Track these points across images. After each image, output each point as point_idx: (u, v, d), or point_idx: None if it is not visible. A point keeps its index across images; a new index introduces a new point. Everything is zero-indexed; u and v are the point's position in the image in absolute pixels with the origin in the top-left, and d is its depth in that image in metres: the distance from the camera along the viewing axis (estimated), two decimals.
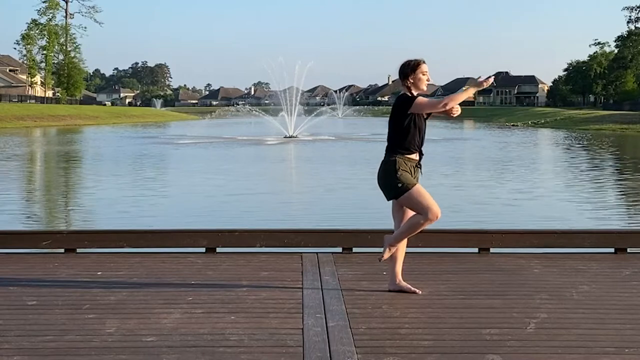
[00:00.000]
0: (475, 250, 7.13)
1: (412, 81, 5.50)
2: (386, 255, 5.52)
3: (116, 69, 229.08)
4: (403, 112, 5.44)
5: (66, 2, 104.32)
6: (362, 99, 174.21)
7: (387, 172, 5.44)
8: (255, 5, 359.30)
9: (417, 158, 5.51)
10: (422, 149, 5.56)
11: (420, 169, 5.54)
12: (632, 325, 4.79)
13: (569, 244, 7.21)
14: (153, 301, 5.33)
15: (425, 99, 5.48)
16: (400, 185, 5.37)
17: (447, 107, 5.44)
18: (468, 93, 5.60)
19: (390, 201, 5.60)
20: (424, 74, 5.50)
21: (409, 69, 5.51)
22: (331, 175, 21.27)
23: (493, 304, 5.31)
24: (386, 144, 5.55)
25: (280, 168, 25.88)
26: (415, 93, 5.53)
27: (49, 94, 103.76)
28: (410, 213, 5.51)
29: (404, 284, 5.61)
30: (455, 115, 5.60)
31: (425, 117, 5.53)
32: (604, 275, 6.29)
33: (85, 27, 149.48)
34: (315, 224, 11.46)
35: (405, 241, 5.62)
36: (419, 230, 5.44)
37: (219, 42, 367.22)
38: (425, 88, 5.56)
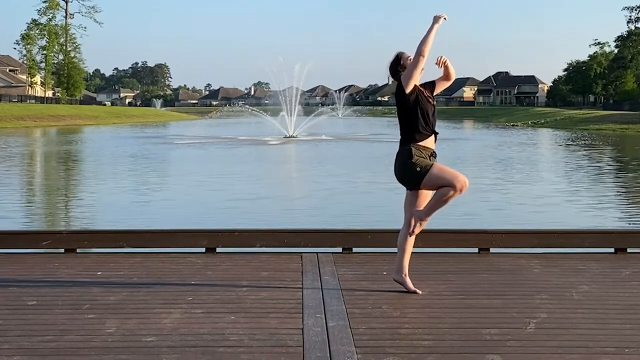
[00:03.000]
0: (475, 250, 7.13)
1: (404, 71, 5.52)
2: (417, 229, 5.51)
3: (116, 69, 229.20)
4: (403, 95, 5.45)
5: (66, 2, 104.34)
6: (362, 99, 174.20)
7: (403, 162, 5.42)
8: (256, 5, 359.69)
9: (432, 146, 5.49)
10: (436, 130, 5.54)
11: (435, 157, 5.50)
12: (632, 325, 4.79)
13: (568, 244, 7.21)
14: (153, 301, 5.33)
15: (406, 70, 5.48)
16: (419, 169, 5.35)
17: (423, 54, 5.39)
18: (432, 30, 5.49)
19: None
20: (409, 59, 5.52)
21: (394, 63, 5.58)
22: (331, 175, 21.26)
23: (493, 304, 5.31)
24: (399, 137, 5.54)
25: (280, 168, 25.88)
26: None
27: (49, 94, 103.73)
28: (424, 203, 5.51)
29: (407, 280, 5.60)
30: (451, 77, 5.63)
31: (430, 98, 5.51)
32: (604, 275, 6.29)
33: (85, 27, 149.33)
34: (315, 224, 11.46)
35: (413, 238, 5.60)
36: (449, 202, 5.39)
37: (219, 42, 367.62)
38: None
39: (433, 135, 5.51)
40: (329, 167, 24.48)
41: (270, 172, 23.70)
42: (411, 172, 5.40)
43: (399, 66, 5.54)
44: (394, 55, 5.62)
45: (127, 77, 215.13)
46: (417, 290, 5.56)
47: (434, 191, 5.45)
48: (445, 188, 5.33)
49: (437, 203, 5.42)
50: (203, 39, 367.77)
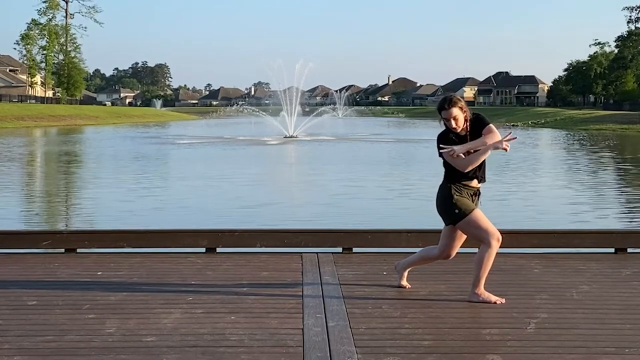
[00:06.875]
0: (476, 250, 7.11)
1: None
2: (482, 294, 5.35)
3: (116, 69, 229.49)
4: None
5: (66, 2, 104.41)
6: (362, 99, 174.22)
7: (443, 199, 5.36)
8: (256, 6, 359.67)
9: (476, 185, 5.37)
10: (483, 174, 5.39)
11: (479, 197, 5.42)
12: (632, 325, 4.80)
13: (569, 244, 7.21)
14: (153, 301, 5.33)
15: (455, 164, 5.24)
16: (457, 211, 5.30)
17: (463, 170, 5.23)
18: (486, 154, 5.26)
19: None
20: (447, 120, 5.26)
21: (441, 104, 5.31)
22: (330, 175, 21.25)
23: (493, 304, 5.30)
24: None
25: (279, 169, 25.87)
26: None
27: (49, 94, 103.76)
28: (460, 240, 5.52)
29: (405, 274, 5.78)
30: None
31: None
32: (604, 275, 6.29)
33: (85, 27, 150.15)
34: (316, 224, 11.45)
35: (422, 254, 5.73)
36: (492, 259, 5.37)
37: (219, 42, 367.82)
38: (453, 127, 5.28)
39: (477, 179, 5.37)
40: (329, 167, 24.45)
41: (269, 173, 23.68)
42: (450, 211, 5.34)
43: (441, 112, 5.28)
44: (444, 98, 5.34)
45: (127, 77, 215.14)
46: (406, 285, 5.73)
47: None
48: (482, 250, 5.33)
49: (485, 267, 5.35)
50: (203, 39, 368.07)
